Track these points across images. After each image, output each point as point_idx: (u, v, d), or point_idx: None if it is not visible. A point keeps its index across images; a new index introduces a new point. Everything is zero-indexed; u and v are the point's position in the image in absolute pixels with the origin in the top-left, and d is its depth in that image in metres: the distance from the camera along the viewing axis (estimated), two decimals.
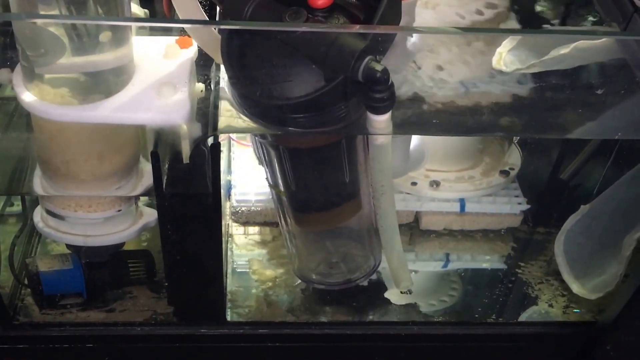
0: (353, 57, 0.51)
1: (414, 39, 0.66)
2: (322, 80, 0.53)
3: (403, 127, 0.60)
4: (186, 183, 0.63)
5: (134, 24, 0.62)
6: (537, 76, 0.66)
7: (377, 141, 0.57)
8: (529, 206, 0.86)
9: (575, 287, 0.81)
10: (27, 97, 0.57)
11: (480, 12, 0.80)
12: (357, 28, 0.53)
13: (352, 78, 0.52)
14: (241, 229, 0.87)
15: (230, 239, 0.86)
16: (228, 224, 0.86)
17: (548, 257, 0.86)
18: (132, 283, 0.78)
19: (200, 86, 0.64)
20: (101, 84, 0.58)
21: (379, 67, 0.51)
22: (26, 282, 0.76)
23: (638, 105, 0.63)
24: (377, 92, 0.52)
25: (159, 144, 0.61)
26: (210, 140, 0.60)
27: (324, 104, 0.54)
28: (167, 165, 0.63)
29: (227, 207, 0.86)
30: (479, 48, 0.72)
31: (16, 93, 0.58)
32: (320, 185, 0.68)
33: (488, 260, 0.87)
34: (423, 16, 0.76)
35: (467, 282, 0.86)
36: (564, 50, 0.63)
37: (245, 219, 0.87)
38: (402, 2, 0.58)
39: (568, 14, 0.86)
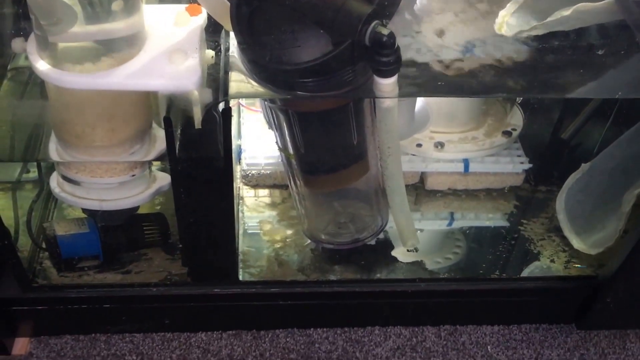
0: (360, 21, 0.52)
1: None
2: (330, 44, 0.55)
3: (409, 90, 0.61)
4: (198, 147, 0.65)
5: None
6: (539, 38, 0.67)
7: (384, 104, 0.59)
8: (530, 165, 0.88)
9: (576, 243, 0.83)
10: (41, 65, 0.58)
11: None
12: None
13: (359, 42, 0.53)
14: (252, 191, 0.89)
15: (241, 201, 0.88)
16: (239, 187, 0.88)
17: (550, 215, 0.88)
18: (147, 245, 0.80)
19: (211, 53, 0.65)
20: (114, 51, 0.59)
21: (385, 32, 0.53)
22: (44, 246, 0.78)
23: (638, 65, 0.64)
24: (384, 56, 0.54)
25: (171, 110, 0.62)
26: (221, 106, 0.61)
27: (332, 68, 0.55)
28: (179, 131, 0.64)
29: (237, 171, 0.88)
30: (482, 11, 0.73)
31: (30, 61, 0.59)
32: (328, 147, 0.69)
33: (491, 218, 0.89)
34: None
35: (471, 240, 0.88)
36: (566, 12, 0.64)
37: (256, 182, 0.88)
38: None
39: None
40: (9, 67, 0.69)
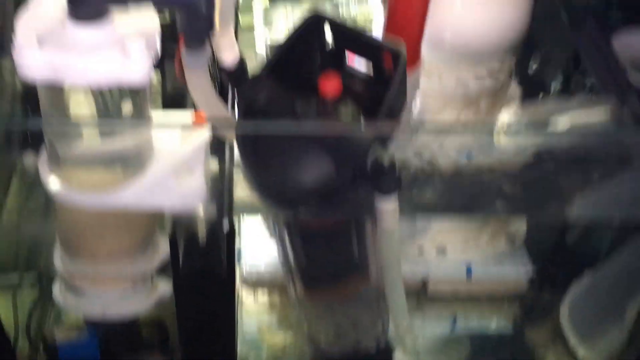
0: (361, 148, 0.54)
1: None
2: (332, 167, 0.56)
3: (408, 209, 0.62)
4: (202, 262, 0.65)
5: (161, 128, 0.63)
6: (537, 152, 0.68)
7: (385, 224, 0.60)
8: (535, 270, 0.87)
9: (581, 352, 0.81)
10: (52, 183, 0.59)
11: (482, 79, 0.81)
12: (365, 125, 0.56)
13: (361, 167, 0.55)
14: (251, 293, 0.88)
15: (240, 304, 0.87)
16: (238, 289, 0.88)
17: (554, 321, 0.87)
18: (146, 350, 0.79)
19: (215, 165, 0.66)
20: (122, 167, 0.60)
21: (385, 157, 0.54)
22: (42, 350, 0.77)
23: (634, 184, 0.65)
24: (384, 180, 0.55)
25: (176, 227, 0.63)
26: (225, 224, 0.62)
27: (335, 191, 0.56)
28: (181, 243, 0.65)
29: (236, 272, 0.87)
30: (479, 122, 0.74)
31: (42, 178, 0.60)
32: (329, 261, 0.69)
33: (495, 324, 0.88)
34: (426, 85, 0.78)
35: (474, 346, 0.87)
36: (563, 125, 0.65)
37: (256, 284, 0.88)
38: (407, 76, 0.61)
39: (568, 81, 0.88)
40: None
